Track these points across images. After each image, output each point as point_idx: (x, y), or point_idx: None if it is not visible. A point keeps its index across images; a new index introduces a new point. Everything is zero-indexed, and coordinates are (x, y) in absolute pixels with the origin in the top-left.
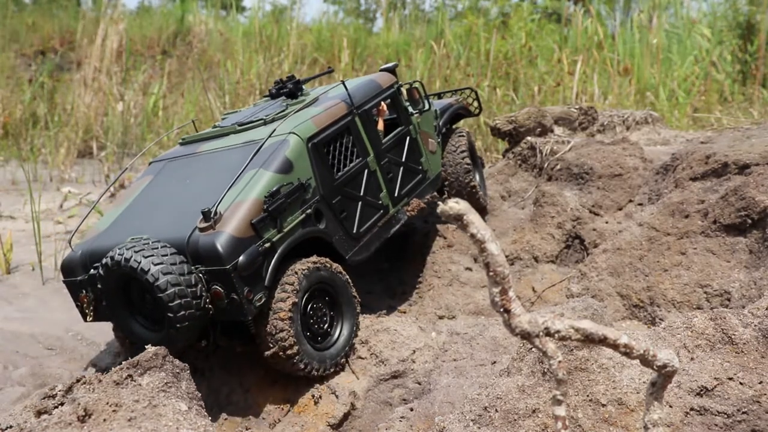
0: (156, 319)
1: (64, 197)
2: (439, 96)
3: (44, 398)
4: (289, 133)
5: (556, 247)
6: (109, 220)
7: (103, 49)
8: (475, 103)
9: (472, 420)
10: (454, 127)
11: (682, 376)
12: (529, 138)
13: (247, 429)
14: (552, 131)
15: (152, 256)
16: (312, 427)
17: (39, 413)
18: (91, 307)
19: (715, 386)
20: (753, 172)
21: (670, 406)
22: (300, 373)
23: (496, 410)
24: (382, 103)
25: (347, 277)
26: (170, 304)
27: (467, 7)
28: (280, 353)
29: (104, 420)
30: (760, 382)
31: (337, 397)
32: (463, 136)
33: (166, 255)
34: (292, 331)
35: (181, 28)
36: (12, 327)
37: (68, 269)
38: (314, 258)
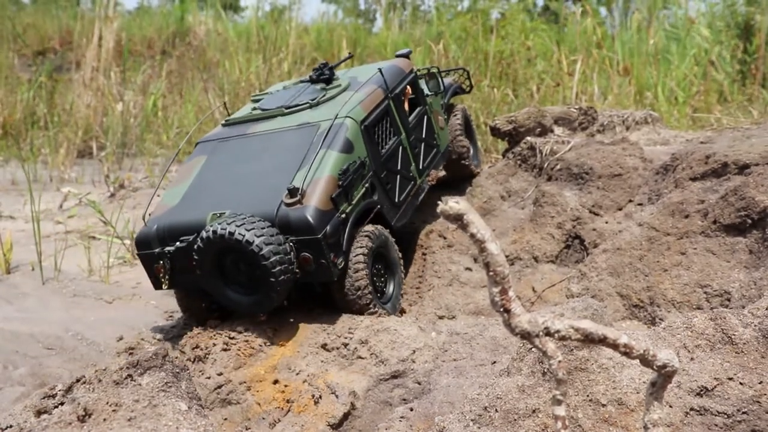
0: (248, 285)
1: (64, 197)
2: None
3: (44, 398)
4: (345, 117)
5: (556, 247)
6: (176, 197)
7: (99, 49)
8: (467, 82)
9: (471, 420)
10: (450, 103)
11: (682, 376)
12: (528, 138)
13: (247, 429)
14: (552, 131)
15: (254, 229)
16: (312, 427)
17: (39, 413)
18: (167, 277)
19: (715, 386)
20: (753, 172)
21: (670, 406)
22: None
23: (496, 410)
24: (407, 86)
25: (393, 240)
26: (273, 270)
27: (466, 8)
28: (361, 303)
29: (104, 420)
30: (760, 382)
31: (337, 396)
32: (458, 112)
33: (264, 227)
34: (368, 287)
35: (181, 28)
36: (12, 327)
37: (144, 243)
38: (374, 225)
